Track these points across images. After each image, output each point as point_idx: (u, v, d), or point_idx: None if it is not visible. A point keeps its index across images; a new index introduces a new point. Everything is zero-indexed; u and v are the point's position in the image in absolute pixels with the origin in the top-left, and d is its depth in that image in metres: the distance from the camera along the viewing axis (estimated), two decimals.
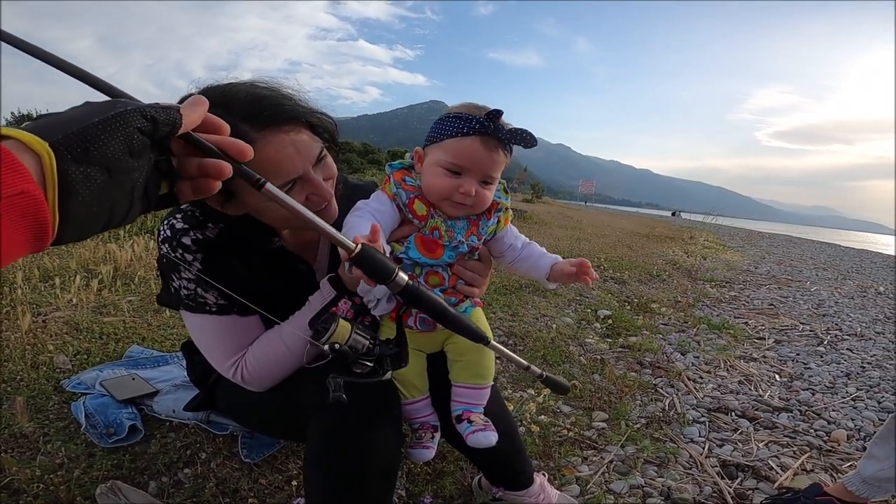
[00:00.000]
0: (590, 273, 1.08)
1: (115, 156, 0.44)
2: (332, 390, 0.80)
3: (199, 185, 0.55)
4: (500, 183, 1.11)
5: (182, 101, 0.98)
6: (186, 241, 1.07)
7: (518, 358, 0.97)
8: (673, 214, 47.26)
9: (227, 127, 0.56)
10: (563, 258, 1.16)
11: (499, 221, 1.14)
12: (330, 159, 1.08)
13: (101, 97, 0.50)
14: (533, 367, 1.00)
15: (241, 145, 0.56)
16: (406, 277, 0.77)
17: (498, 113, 0.99)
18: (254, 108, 0.93)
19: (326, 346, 0.82)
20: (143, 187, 0.49)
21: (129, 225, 4.33)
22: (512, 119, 1.02)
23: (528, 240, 1.22)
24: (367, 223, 0.95)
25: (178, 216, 1.09)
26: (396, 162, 1.12)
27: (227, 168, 0.54)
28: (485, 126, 0.99)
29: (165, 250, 1.07)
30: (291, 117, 0.97)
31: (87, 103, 0.46)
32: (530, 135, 0.99)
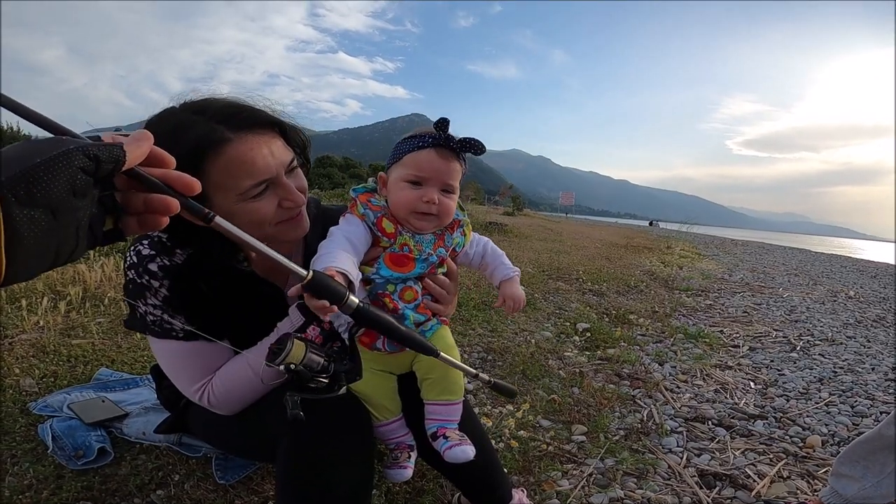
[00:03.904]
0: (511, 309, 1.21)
1: (60, 197, 0.43)
2: (289, 408, 0.82)
3: (146, 220, 0.54)
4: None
5: (149, 119, 0.98)
6: (153, 267, 1.06)
7: (466, 367, 1.03)
8: (650, 224, 48.08)
9: (172, 160, 0.55)
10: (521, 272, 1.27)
11: (464, 234, 1.19)
12: (300, 172, 1.10)
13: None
14: (481, 375, 1.07)
15: (188, 179, 0.54)
16: (357, 300, 0.82)
17: (445, 121, 1.04)
18: (230, 111, 0.98)
19: (282, 367, 0.83)
20: (88, 225, 0.48)
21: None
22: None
23: (486, 239, 1.28)
24: (339, 250, 0.98)
25: (145, 242, 1.08)
26: (360, 186, 1.16)
27: (174, 204, 0.53)
28: (437, 138, 1.04)
29: (132, 276, 1.06)
30: (267, 122, 1.02)
31: (27, 141, 0.45)
32: (479, 142, 1.04)
